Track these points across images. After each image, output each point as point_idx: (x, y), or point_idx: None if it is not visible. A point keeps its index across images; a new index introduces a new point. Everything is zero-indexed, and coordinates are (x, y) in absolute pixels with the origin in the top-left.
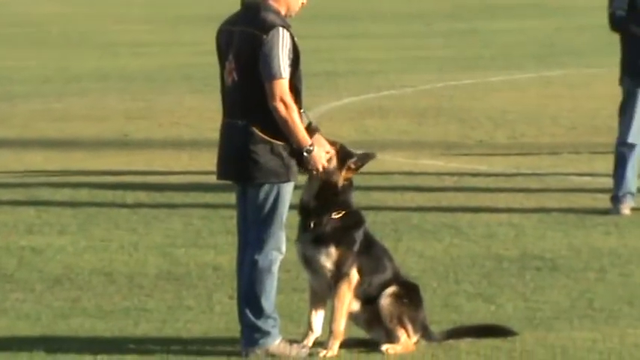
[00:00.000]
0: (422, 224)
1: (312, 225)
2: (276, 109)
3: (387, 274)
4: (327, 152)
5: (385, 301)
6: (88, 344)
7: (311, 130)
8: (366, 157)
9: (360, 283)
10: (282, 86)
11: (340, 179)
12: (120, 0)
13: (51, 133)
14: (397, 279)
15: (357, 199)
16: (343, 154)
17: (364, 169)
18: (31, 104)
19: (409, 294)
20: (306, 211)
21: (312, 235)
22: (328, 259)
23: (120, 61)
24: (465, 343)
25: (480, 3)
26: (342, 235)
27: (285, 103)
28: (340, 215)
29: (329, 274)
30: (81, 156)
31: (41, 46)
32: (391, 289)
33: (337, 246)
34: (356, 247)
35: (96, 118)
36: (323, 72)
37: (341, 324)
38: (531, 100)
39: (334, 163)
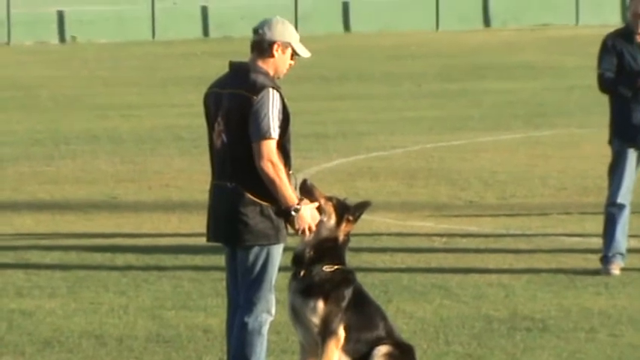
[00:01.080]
0: (412, 285)
1: (302, 274)
2: (263, 169)
3: (379, 332)
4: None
5: None
6: None
7: (306, 188)
8: (362, 207)
9: (347, 340)
10: (269, 146)
11: (341, 234)
12: (108, 63)
13: (40, 196)
14: (391, 338)
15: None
16: (340, 209)
17: (354, 230)
18: (20, 167)
19: (403, 355)
20: (299, 260)
21: (301, 285)
22: (315, 314)
23: (109, 124)
24: None
25: (469, 64)
26: (331, 290)
27: (272, 163)
28: (332, 270)
29: (316, 330)
30: (71, 218)
31: (30, 109)
32: (385, 349)
33: (325, 301)
34: (344, 304)
35: (85, 180)
36: (313, 133)
37: None
38: (521, 161)
39: (333, 219)
